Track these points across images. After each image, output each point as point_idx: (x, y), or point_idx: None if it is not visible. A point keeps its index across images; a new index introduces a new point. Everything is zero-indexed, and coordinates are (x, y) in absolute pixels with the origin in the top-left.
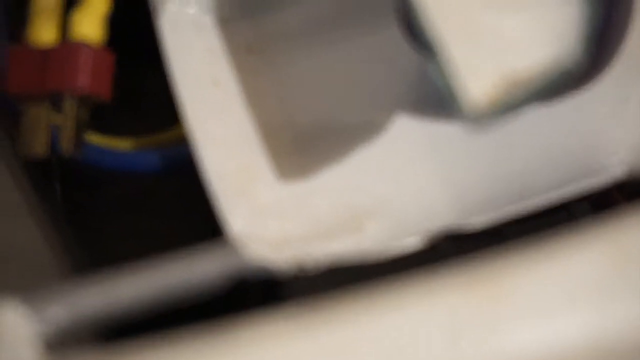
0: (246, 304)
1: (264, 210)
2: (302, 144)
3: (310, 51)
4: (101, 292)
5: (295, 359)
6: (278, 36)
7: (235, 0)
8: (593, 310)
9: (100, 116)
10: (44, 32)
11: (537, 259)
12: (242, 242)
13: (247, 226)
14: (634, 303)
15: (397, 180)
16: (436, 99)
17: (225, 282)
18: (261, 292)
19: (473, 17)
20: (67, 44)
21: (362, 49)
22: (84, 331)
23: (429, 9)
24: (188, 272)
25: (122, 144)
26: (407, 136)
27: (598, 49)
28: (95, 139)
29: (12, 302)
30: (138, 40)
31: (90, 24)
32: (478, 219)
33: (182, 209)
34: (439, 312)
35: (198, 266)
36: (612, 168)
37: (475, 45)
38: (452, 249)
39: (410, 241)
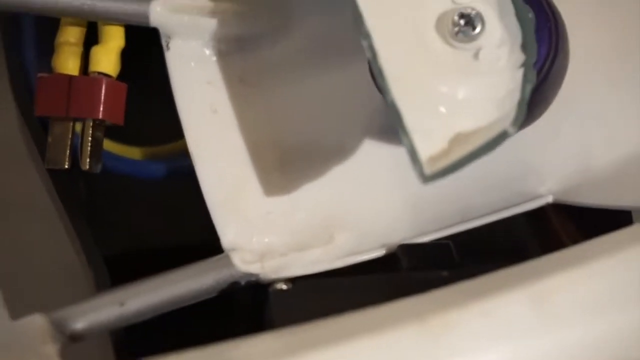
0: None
1: (251, 224)
2: (285, 163)
3: (295, 82)
4: (117, 308)
5: None
6: (267, 69)
7: (231, 38)
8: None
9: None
10: (67, 63)
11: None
12: (232, 251)
13: (236, 237)
14: (551, 339)
15: (364, 198)
16: None
17: (221, 288)
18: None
19: (428, 85)
20: (88, 77)
21: (339, 80)
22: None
23: (389, 80)
24: (190, 284)
25: (133, 153)
26: (374, 158)
27: (533, 107)
28: (110, 146)
29: (41, 318)
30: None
31: (108, 59)
32: (427, 237)
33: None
34: (387, 343)
35: (198, 280)
36: (542, 195)
37: (428, 110)
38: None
39: (373, 253)
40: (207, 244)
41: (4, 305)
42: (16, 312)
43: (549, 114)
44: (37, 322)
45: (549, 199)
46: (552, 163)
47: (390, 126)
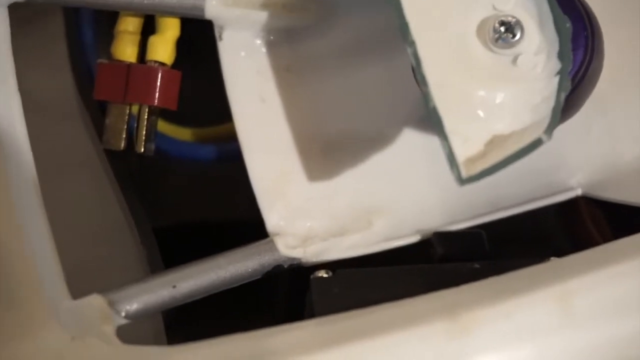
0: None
1: (294, 210)
2: (328, 151)
3: (338, 72)
4: (169, 289)
5: None
6: (312, 59)
7: (280, 29)
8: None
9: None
10: (126, 50)
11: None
12: (276, 236)
13: (280, 222)
14: (573, 340)
15: (401, 185)
16: None
17: (265, 271)
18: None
19: (467, 90)
20: (145, 65)
21: (381, 72)
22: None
23: (432, 87)
24: (237, 267)
25: (184, 133)
26: (411, 148)
27: (567, 110)
28: (162, 126)
29: (97, 298)
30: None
31: (164, 48)
32: (460, 225)
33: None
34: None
35: (244, 263)
36: (572, 187)
37: (466, 115)
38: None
39: (409, 239)
40: (254, 219)
41: (65, 285)
42: (76, 290)
43: (581, 112)
44: (96, 302)
45: (579, 192)
46: (582, 157)
47: (427, 118)
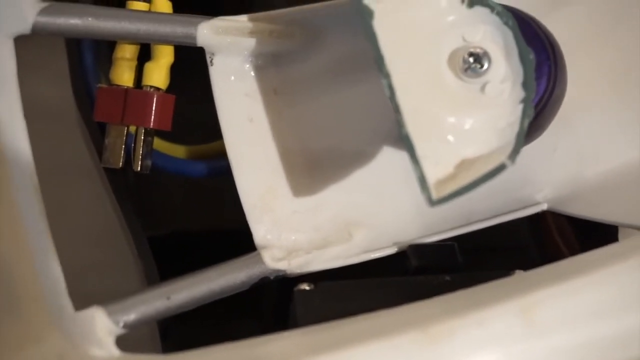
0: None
1: (280, 223)
2: (312, 167)
3: (322, 93)
4: (164, 301)
5: None
6: (298, 81)
7: (267, 54)
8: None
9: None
10: (123, 75)
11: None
12: (262, 249)
13: (267, 236)
14: (537, 347)
15: (380, 200)
16: None
17: (252, 282)
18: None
19: (439, 117)
20: (141, 90)
21: (362, 92)
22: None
23: (405, 114)
24: (227, 279)
25: (178, 150)
26: (390, 164)
27: (531, 133)
28: (157, 143)
29: (98, 310)
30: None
31: (159, 74)
32: (435, 237)
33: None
34: (393, 348)
35: (233, 275)
36: (538, 202)
37: (437, 140)
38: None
39: (386, 250)
40: (243, 230)
41: (68, 297)
42: (78, 302)
43: (548, 131)
44: (96, 313)
45: (544, 207)
46: (547, 174)
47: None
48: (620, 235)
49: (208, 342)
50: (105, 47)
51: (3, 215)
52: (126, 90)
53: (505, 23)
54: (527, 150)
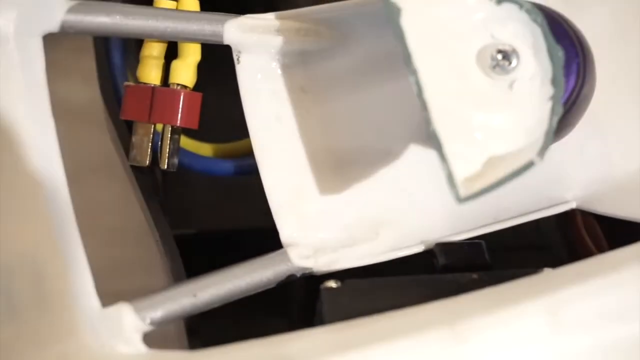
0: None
1: (307, 221)
2: (339, 166)
3: (349, 92)
4: (190, 298)
5: None
6: (325, 80)
7: (294, 52)
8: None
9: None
10: (150, 74)
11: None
12: (289, 247)
13: (293, 234)
14: (562, 348)
15: (407, 198)
16: None
17: (279, 280)
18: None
19: (466, 114)
20: (168, 88)
21: (390, 91)
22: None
23: (432, 112)
24: (253, 277)
25: (205, 149)
26: (418, 163)
27: (560, 131)
28: (185, 142)
29: (125, 306)
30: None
31: (186, 72)
32: (462, 235)
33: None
34: (420, 345)
35: (260, 273)
36: (567, 201)
37: (465, 138)
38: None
39: (413, 249)
40: (270, 228)
41: (96, 294)
42: (105, 299)
43: (577, 130)
44: (123, 310)
45: (573, 205)
46: (577, 173)
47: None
48: None
49: (234, 339)
50: (132, 45)
51: (33, 214)
52: (153, 89)
53: (534, 20)
54: (556, 148)
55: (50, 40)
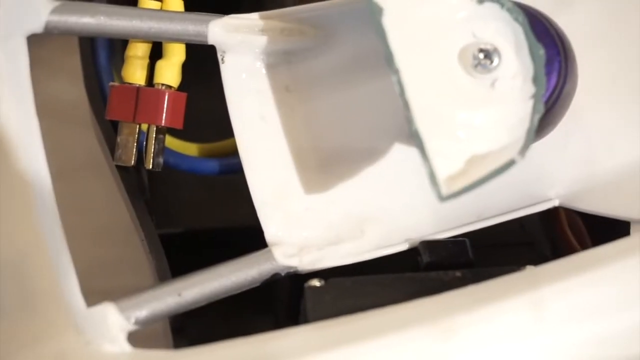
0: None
1: (292, 220)
2: (324, 165)
3: (334, 90)
4: (175, 297)
5: None
6: (309, 79)
7: (279, 51)
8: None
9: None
10: (135, 74)
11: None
12: (273, 246)
13: (278, 233)
14: (546, 343)
15: (392, 196)
16: None
17: (263, 279)
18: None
19: (448, 113)
20: (153, 88)
21: (374, 89)
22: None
23: (414, 111)
24: (238, 276)
25: (190, 148)
26: (402, 161)
27: (542, 129)
28: (170, 141)
29: (109, 306)
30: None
31: (171, 72)
32: (447, 234)
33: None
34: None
35: (244, 272)
36: (550, 198)
37: (447, 136)
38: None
39: (398, 247)
40: (254, 226)
41: (80, 294)
42: (90, 298)
43: (559, 128)
44: (108, 309)
45: (556, 203)
46: (559, 170)
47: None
48: (632, 231)
49: (219, 337)
50: (119, 45)
51: (18, 214)
52: (138, 89)
53: (516, 19)
54: (539, 146)
55: (36, 40)
